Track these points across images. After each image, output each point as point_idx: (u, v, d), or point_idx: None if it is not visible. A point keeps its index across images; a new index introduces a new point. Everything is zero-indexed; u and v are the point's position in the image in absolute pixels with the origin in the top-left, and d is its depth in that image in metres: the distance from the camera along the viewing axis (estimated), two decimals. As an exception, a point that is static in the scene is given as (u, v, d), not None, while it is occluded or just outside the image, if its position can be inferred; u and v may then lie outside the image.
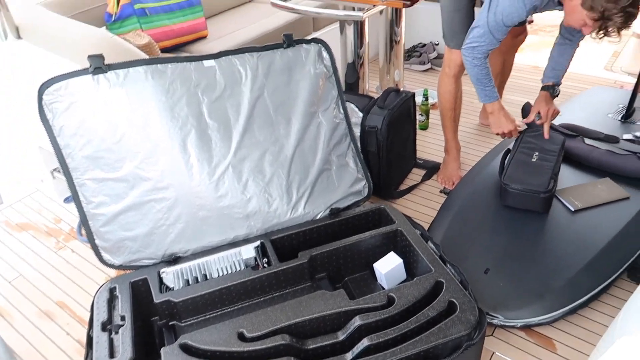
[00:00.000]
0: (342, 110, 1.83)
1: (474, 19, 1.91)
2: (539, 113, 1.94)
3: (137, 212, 1.50)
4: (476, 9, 1.91)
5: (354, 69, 2.62)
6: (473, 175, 2.01)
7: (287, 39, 1.69)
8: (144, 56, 1.81)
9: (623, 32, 1.47)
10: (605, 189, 1.81)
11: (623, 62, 3.14)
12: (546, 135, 1.92)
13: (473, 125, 2.65)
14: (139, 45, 2.04)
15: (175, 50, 2.50)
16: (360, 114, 2.03)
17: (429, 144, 2.51)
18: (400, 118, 2.03)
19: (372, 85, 3.01)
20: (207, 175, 1.53)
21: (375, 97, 2.12)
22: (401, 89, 3.00)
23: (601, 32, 1.46)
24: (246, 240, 1.59)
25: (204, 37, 2.60)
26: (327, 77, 1.80)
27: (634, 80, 2.88)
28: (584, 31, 1.52)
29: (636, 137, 2.12)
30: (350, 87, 2.67)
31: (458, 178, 2.14)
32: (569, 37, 1.84)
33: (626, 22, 1.42)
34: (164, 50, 2.40)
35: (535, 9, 1.62)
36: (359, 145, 1.89)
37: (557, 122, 2.13)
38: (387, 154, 1.97)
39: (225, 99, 1.58)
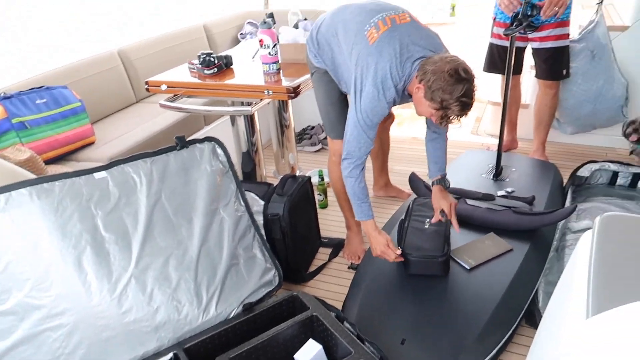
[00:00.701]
0: (242, 203, 1.86)
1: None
2: (442, 211, 1.98)
3: (30, 346, 1.36)
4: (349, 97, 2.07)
5: (250, 157, 2.70)
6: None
7: (180, 141, 1.72)
8: (26, 173, 1.72)
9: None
10: (491, 244, 1.99)
11: (485, 126, 3.58)
12: (457, 230, 1.94)
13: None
14: (19, 161, 1.93)
15: (61, 160, 2.40)
16: (262, 202, 2.07)
17: (331, 221, 2.60)
18: (301, 202, 2.11)
19: (269, 171, 3.09)
20: (107, 292, 1.44)
21: (274, 183, 2.19)
22: (297, 173, 3.14)
23: (443, 120, 1.62)
24: (157, 354, 1.50)
25: (92, 144, 2.53)
26: (224, 172, 1.84)
27: (496, 142, 3.29)
28: (433, 120, 1.66)
29: (508, 192, 2.39)
30: (248, 175, 2.74)
31: (363, 252, 2.23)
32: (436, 130, 1.97)
33: (463, 110, 1.57)
34: (49, 161, 2.30)
35: (395, 103, 1.75)
36: (263, 234, 1.92)
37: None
38: (292, 239, 2.01)
39: (121, 209, 1.54)
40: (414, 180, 2.41)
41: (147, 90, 2.38)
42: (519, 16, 2.31)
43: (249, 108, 2.26)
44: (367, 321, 1.71)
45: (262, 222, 2.02)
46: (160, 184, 1.63)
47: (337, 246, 2.35)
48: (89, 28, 3.61)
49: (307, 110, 3.53)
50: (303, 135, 3.57)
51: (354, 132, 1.74)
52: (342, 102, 2.03)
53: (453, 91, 1.53)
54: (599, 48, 2.79)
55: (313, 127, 3.60)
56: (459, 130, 3.62)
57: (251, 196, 2.08)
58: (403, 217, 2.15)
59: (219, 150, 1.82)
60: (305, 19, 2.65)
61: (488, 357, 1.60)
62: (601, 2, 2.82)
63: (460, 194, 2.30)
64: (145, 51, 3.22)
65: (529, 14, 2.31)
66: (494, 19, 2.79)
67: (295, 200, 2.04)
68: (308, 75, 2.16)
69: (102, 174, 1.54)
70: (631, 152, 2.80)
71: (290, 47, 2.45)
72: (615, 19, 3.02)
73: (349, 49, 1.76)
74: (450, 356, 1.58)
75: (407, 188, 2.63)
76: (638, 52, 2.87)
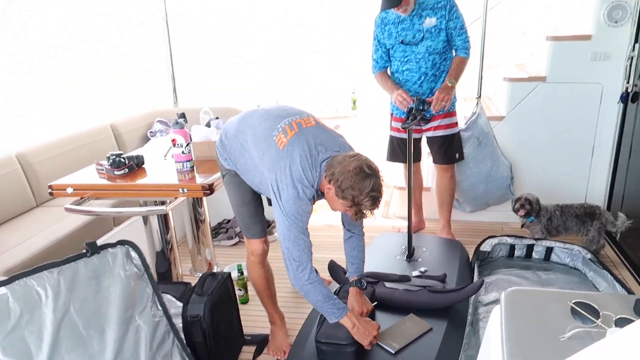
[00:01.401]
0: (160, 307, 1.78)
1: (263, 209, 2.11)
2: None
3: None
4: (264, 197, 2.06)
5: (164, 257, 2.60)
6: (301, 341, 2.07)
7: (90, 247, 1.64)
8: None
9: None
10: (412, 325, 2.05)
11: (394, 209, 3.80)
12: (366, 347, 1.87)
13: (290, 289, 2.79)
14: None
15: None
16: (179, 304, 1.98)
17: (253, 316, 2.53)
18: (221, 300, 2.05)
19: (185, 269, 2.99)
20: None
21: (191, 282, 2.12)
22: (215, 269, 3.06)
23: (358, 214, 1.70)
24: None
25: (-14, 254, 2.32)
26: (139, 276, 1.76)
27: (406, 223, 3.48)
28: (349, 215, 1.73)
29: (421, 272, 2.51)
30: (163, 275, 2.62)
31: (288, 346, 2.18)
32: (350, 229, 2.03)
33: (374, 204, 1.65)
34: None
35: (314, 199, 1.78)
36: (183, 338, 1.83)
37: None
38: (214, 341, 1.93)
39: (23, 327, 1.40)
40: (333, 267, 2.46)
41: (51, 194, 2.27)
42: (413, 111, 2.58)
43: (163, 207, 2.22)
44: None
45: (181, 324, 1.92)
46: (68, 295, 1.52)
47: (261, 342, 2.28)
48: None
49: (222, 204, 3.50)
50: (219, 230, 3.53)
51: (290, 236, 1.72)
52: (255, 201, 2.07)
53: (362, 188, 1.62)
54: (483, 135, 3.16)
55: (229, 221, 3.59)
56: (374, 218, 3.79)
57: (168, 298, 1.99)
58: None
59: (133, 254, 1.76)
60: (217, 118, 2.74)
61: None
62: (479, 96, 3.25)
63: (378, 278, 2.37)
64: (47, 153, 3.10)
65: (421, 108, 2.59)
66: (391, 114, 3.08)
67: (216, 299, 1.98)
68: (223, 172, 2.20)
69: (1, 290, 1.41)
70: (522, 226, 3.09)
71: (204, 145, 2.50)
72: (493, 110, 3.46)
73: (260, 155, 1.81)
74: None
75: (326, 275, 2.66)
76: (514, 138, 3.29)
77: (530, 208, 2.93)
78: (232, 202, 2.10)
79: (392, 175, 3.66)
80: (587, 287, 2.58)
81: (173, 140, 2.27)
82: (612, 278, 2.46)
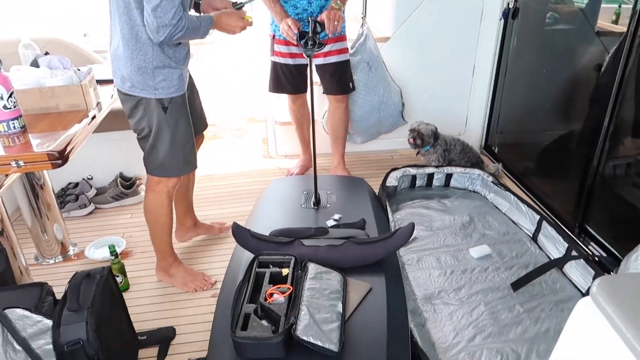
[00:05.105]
0: (18, 345, 1.19)
1: None
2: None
3: None
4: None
5: (-2, 252, 1.89)
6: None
7: None
8: None
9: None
10: (351, 289, 1.76)
11: (279, 148, 3.38)
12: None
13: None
14: None
15: None
16: (38, 318, 1.39)
17: (141, 306, 2.01)
18: (106, 309, 1.49)
19: (28, 257, 2.27)
20: None
21: (47, 282, 1.54)
22: (70, 250, 2.41)
23: None
24: None
25: None
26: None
27: (293, 163, 3.14)
28: None
29: (336, 220, 2.21)
30: (2, 278, 1.91)
31: (202, 275, 2.09)
32: None
33: None
34: None
35: None
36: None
37: (266, 231, 2.03)
38: (108, 365, 1.40)
39: None
40: (238, 232, 2.01)
41: None
42: (310, 34, 2.14)
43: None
44: None
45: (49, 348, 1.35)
46: None
47: (163, 341, 1.80)
48: None
49: (64, 165, 2.76)
50: (65, 198, 2.78)
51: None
52: None
53: None
54: (372, 59, 2.87)
55: (77, 184, 2.83)
56: (251, 157, 3.36)
57: (19, 314, 1.38)
58: (242, 278, 1.75)
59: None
60: (47, 53, 1.97)
61: None
62: (365, 15, 2.91)
63: (294, 235, 2.01)
64: None
65: (318, 31, 2.17)
66: (273, 36, 2.60)
67: (99, 310, 1.42)
68: (76, 127, 1.57)
69: None
70: (417, 153, 2.97)
71: (35, 94, 1.77)
72: (376, 32, 3.17)
73: None
74: None
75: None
76: (401, 61, 3.07)
77: (421, 142, 2.82)
78: (176, 140, 1.84)
79: (271, 108, 3.23)
80: (489, 208, 2.57)
81: (-15, 91, 1.53)
82: (515, 198, 2.47)
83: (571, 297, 1.93)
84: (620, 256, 2.08)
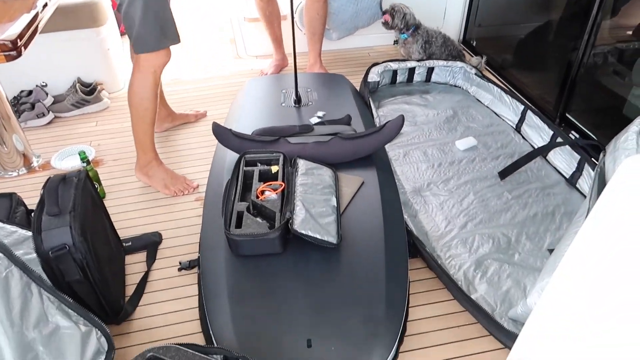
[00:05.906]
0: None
1: None
2: None
3: None
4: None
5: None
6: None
7: None
8: None
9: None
10: (343, 184, 1.71)
11: (248, 48, 3.16)
12: None
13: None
14: None
15: None
16: (12, 228, 1.28)
17: (120, 213, 1.92)
18: (88, 212, 1.39)
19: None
20: None
21: (15, 193, 1.42)
22: (33, 162, 2.26)
23: None
24: None
25: None
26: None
27: (266, 63, 2.96)
28: None
29: (320, 117, 2.12)
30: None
31: (184, 178, 2.03)
32: None
33: None
34: None
35: None
36: (51, 285, 1.20)
37: (247, 130, 1.92)
38: (98, 270, 1.33)
39: None
40: (219, 132, 1.89)
41: None
42: None
43: None
44: (249, 338, 1.27)
45: (41, 267, 1.26)
46: None
47: (151, 246, 1.73)
48: None
49: (14, 67, 2.48)
50: (19, 107, 2.54)
51: None
52: None
53: None
54: (348, -59, 2.62)
55: (31, 92, 2.58)
56: (220, 59, 3.14)
57: (-5, 227, 1.27)
58: (230, 178, 1.67)
59: None
60: None
61: (404, 314, 1.38)
62: None
63: (278, 133, 1.91)
64: None
65: None
66: None
67: (82, 214, 1.32)
68: (25, 17, 1.36)
69: None
70: (395, 42, 2.83)
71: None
72: None
73: None
74: (371, 335, 1.29)
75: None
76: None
77: (392, 19, 2.66)
78: (149, 4, 1.65)
79: (237, 4, 2.97)
80: (472, 102, 2.52)
81: None
82: (498, 90, 2.42)
83: (556, 183, 1.96)
84: (600, 144, 2.10)
